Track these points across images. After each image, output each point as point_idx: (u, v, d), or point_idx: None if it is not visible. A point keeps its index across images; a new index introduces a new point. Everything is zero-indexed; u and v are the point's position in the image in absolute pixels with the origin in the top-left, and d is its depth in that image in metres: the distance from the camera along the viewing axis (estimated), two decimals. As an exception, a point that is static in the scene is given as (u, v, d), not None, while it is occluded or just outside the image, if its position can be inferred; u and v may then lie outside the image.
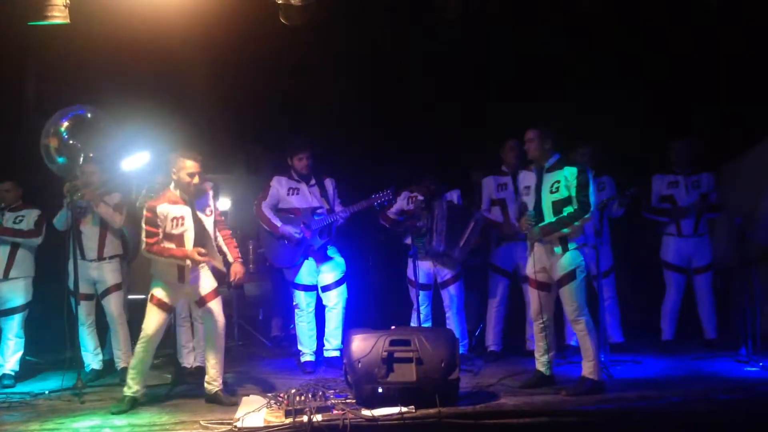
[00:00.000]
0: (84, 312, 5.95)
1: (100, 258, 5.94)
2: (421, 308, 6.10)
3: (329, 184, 6.16)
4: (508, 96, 7.16)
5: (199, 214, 5.18)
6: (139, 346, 5.12)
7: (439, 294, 6.24)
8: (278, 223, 5.99)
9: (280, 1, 5.77)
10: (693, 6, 6.25)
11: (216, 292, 5.24)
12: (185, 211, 5.13)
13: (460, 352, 5.32)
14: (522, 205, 5.33)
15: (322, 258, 6.05)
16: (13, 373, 5.93)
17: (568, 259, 5.08)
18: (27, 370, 6.14)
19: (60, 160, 5.58)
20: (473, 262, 6.40)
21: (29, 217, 6.04)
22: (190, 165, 5.09)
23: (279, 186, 6.07)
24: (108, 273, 5.97)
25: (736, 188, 6.31)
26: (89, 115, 5.57)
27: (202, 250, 5.07)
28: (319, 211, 6.03)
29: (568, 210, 5.06)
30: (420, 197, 6.10)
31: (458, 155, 7.36)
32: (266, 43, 6.70)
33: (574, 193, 5.05)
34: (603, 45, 6.92)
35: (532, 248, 5.22)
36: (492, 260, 6.35)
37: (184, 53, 6.70)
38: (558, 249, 5.09)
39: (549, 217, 5.11)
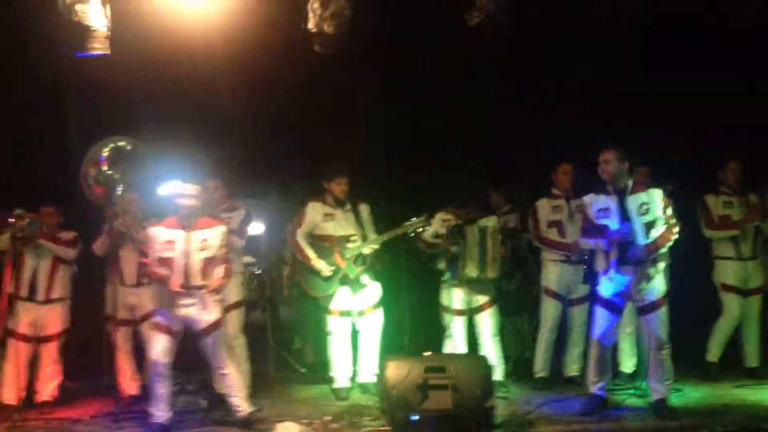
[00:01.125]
0: (122, 338, 6.01)
1: (139, 284, 6.01)
2: (456, 334, 6.06)
3: (364, 209, 6.15)
4: (545, 120, 7.15)
5: (192, 243, 5.18)
6: (149, 372, 5.18)
7: (473, 320, 6.19)
8: (312, 255, 5.98)
9: (313, 30, 5.85)
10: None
11: (217, 323, 5.23)
12: (177, 235, 5.18)
13: (497, 378, 5.26)
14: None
15: (357, 285, 6.04)
16: (51, 399, 5.99)
17: (662, 282, 5.12)
18: (65, 396, 6.18)
19: (100, 190, 5.68)
20: (509, 286, 6.37)
21: (66, 236, 6.13)
22: (186, 188, 5.19)
23: (314, 212, 6.07)
24: (147, 299, 6.03)
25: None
26: (129, 146, 5.66)
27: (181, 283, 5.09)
28: (353, 238, 6.02)
29: (654, 231, 5.09)
30: (456, 222, 6.09)
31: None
32: (299, 70, 6.79)
33: (661, 214, 5.09)
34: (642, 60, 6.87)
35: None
36: (545, 283, 6.28)
37: (219, 81, 6.84)
38: (653, 271, 5.09)
39: (643, 240, 5.08)
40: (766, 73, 6.58)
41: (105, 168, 5.57)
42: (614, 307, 5.19)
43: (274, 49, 6.46)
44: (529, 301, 6.57)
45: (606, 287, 5.20)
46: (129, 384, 6.09)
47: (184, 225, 5.21)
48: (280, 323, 7.54)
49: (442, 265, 6.15)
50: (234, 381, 5.22)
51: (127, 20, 5.72)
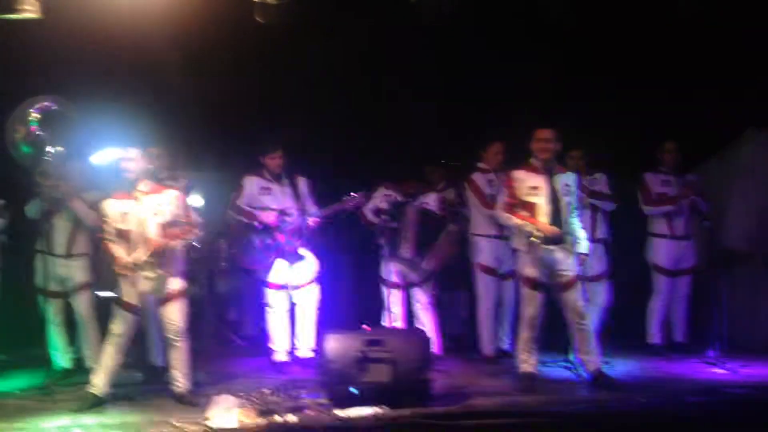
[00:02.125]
0: (53, 310, 5.86)
1: (68, 255, 5.86)
2: (393, 308, 6.12)
3: (303, 184, 6.12)
4: (487, 95, 7.21)
5: (144, 211, 5.09)
6: (107, 344, 5.08)
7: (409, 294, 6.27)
8: (256, 211, 5.94)
9: (255, 0, 5.75)
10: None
11: (176, 293, 5.16)
12: (130, 206, 5.09)
13: (434, 351, 5.35)
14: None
15: (294, 258, 6.03)
16: (-21, 372, 5.85)
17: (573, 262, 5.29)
18: (-6, 369, 6.04)
19: (25, 149, 5.48)
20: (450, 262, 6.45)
21: None
22: (123, 153, 5.10)
23: (251, 186, 6.04)
24: (77, 271, 5.89)
25: (705, 191, 6.40)
26: (59, 108, 5.46)
27: (130, 263, 4.99)
28: (290, 211, 5.99)
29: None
30: (398, 198, 6.12)
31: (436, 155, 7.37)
32: (240, 40, 6.66)
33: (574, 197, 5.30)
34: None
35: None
36: (478, 260, 6.34)
37: (157, 49, 6.63)
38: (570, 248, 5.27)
39: (566, 219, 5.24)
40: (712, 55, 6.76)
41: (34, 128, 5.37)
42: (540, 285, 5.31)
43: (214, 15, 6.30)
44: (468, 277, 6.66)
45: (530, 265, 5.31)
46: (61, 357, 5.96)
47: (132, 193, 5.09)
48: (218, 296, 7.48)
49: (381, 240, 6.18)
50: (182, 355, 5.16)
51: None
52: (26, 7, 5.19)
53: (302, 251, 6.06)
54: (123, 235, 5.06)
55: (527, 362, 5.31)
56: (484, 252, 6.28)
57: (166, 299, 5.12)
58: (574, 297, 5.30)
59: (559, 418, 4.63)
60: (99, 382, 5.04)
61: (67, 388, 5.48)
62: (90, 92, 6.41)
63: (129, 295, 5.09)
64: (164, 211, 5.11)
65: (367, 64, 7.22)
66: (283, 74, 7.26)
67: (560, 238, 5.24)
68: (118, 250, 5.04)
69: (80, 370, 5.93)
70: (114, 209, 5.09)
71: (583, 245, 5.37)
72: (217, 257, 7.15)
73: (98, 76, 6.85)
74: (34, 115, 5.39)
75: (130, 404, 5.09)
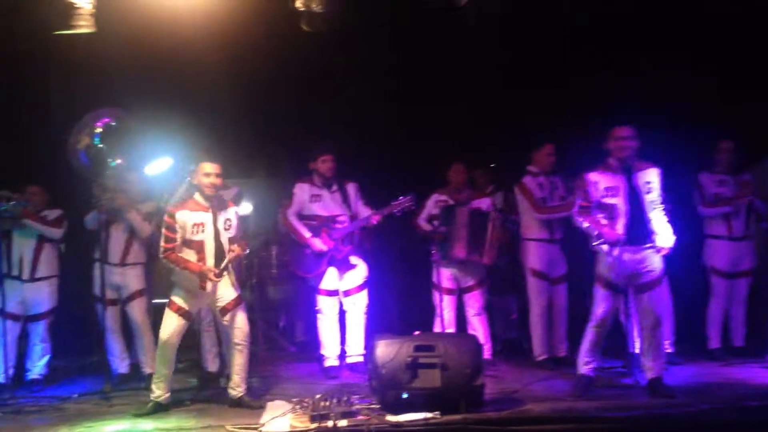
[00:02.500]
0: (109, 317, 6.00)
1: (123, 263, 6.00)
2: (445, 313, 6.10)
3: (352, 188, 6.13)
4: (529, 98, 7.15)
5: (219, 225, 5.20)
6: (158, 352, 5.19)
7: (461, 299, 6.23)
8: (307, 234, 5.98)
9: (301, 8, 5.80)
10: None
11: (239, 300, 5.26)
12: (206, 218, 5.17)
13: (485, 356, 5.31)
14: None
15: (345, 265, 6.05)
16: (41, 377, 6.00)
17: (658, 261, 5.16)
18: (55, 374, 6.19)
19: (86, 162, 5.63)
20: (502, 261, 6.40)
21: (51, 215, 6.08)
22: (207, 167, 5.16)
23: (302, 193, 6.08)
24: (131, 279, 6.03)
25: (761, 191, 6.22)
26: (119, 122, 5.60)
27: (216, 270, 5.10)
28: (340, 218, 6.03)
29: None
30: (449, 201, 6.11)
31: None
32: (287, 48, 6.74)
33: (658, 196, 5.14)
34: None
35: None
36: (530, 264, 6.25)
37: (205, 59, 6.75)
38: (651, 251, 5.14)
39: (647, 218, 5.10)
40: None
41: (96, 140, 5.51)
42: (615, 286, 5.18)
43: (261, 27, 6.39)
44: (517, 282, 6.60)
45: (606, 267, 5.18)
46: (118, 363, 6.10)
47: (209, 206, 5.19)
48: (269, 302, 7.56)
49: (432, 245, 6.17)
50: (244, 360, 5.23)
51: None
52: (81, 23, 5.33)
53: (352, 257, 6.08)
54: (193, 246, 5.14)
55: (588, 365, 5.21)
56: (536, 256, 6.21)
57: (229, 307, 5.20)
58: (651, 300, 5.16)
59: (614, 424, 4.55)
60: (156, 387, 5.14)
61: (125, 393, 5.61)
62: (140, 105, 6.56)
63: (184, 302, 5.17)
64: (232, 226, 5.25)
65: (410, 69, 7.22)
66: (328, 81, 7.32)
67: (635, 239, 5.08)
68: (191, 260, 5.13)
69: (136, 376, 6.07)
70: (187, 219, 5.16)
71: (665, 239, 5.16)
72: (267, 264, 7.22)
73: (148, 88, 7.00)
74: (96, 129, 5.54)
75: (186, 409, 5.17)
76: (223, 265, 5.13)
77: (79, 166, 5.57)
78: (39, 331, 6.02)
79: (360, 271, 6.10)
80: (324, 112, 7.54)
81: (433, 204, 6.25)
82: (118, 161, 5.60)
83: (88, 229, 6.01)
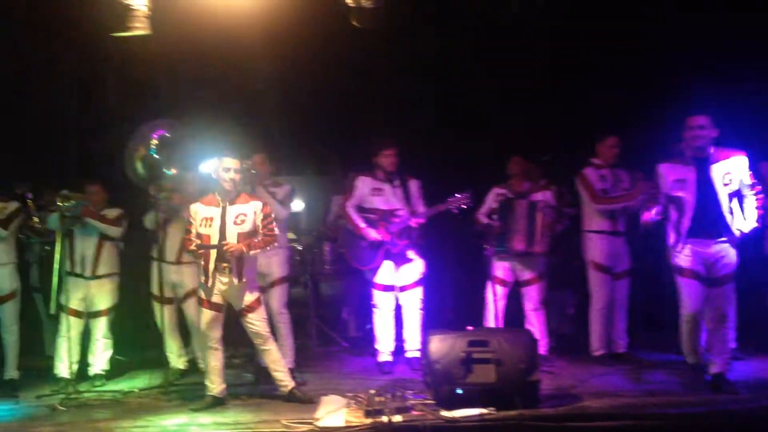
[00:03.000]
0: (167, 314, 6.12)
1: (179, 261, 6.11)
2: (495, 304, 6.05)
3: (413, 185, 6.13)
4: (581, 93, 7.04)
5: (228, 218, 5.20)
6: (202, 346, 5.29)
7: (518, 293, 6.18)
8: (361, 225, 6.02)
9: (351, 5, 5.81)
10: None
11: (258, 302, 5.28)
12: (215, 212, 5.22)
13: (541, 352, 5.25)
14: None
15: (401, 259, 6.05)
16: (103, 372, 6.16)
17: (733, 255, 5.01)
18: (116, 369, 6.35)
19: (141, 171, 5.75)
20: (557, 259, 6.31)
21: (111, 213, 6.20)
22: (227, 162, 5.20)
23: (363, 186, 6.11)
24: (187, 277, 6.13)
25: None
26: (174, 134, 5.70)
27: (219, 266, 5.12)
28: (399, 213, 6.04)
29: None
30: (508, 195, 6.07)
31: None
32: (337, 45, 6.76)
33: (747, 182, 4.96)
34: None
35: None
36: (591, 257, 6.15)
37: (255, 57, 6.83)
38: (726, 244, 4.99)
39: (726, 211, 4.94)
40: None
41: (152, 151, 5.63)
42: (700, 277, 5.03)
43: (312, 24, 6.43)
44: (572, 276, 6.50)
45: (685, 258, 5.04)
46: (176, 359, 6.22)
47: (222, 200, 5.24)
48: (322, 298, 7.62)
49: (488, 240, 6.12)
50: (275, 357, 5.29)
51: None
52: (137, 24, 5.43)
53: (409, 252, 6.07)
54: (202, 239, 5.21)
55: (714, 363, 5.01)
56: (597, 249, 6.09)
57: (246, 309, 5.24)
58: (722, 296, 5.02)
59: (675, 421, 4.46)
60: (210, 381, 5.23)
61: (182, 389, 5.72)
62: (192, 104, 6.69)
63: (210, 295, 5.22)
64: (247, 221, 5.23)
65: (463, 63, 7.17)
66: (379, 77, 7.32)
67: (704, 232, 4.94)
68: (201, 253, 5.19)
69: (194, 371, 6.18)
70: (199, 213, 5.26)
71: (744, 223, 4.98)
72: (319, 260, 7.27)
73: (200, 88, 7.12)
74: (152, 140, 5.65)
75: (243, 404, 5.24)
76: (222, 262, 5.12)
77: (134, 176, 5.70)
78: (101, 327, 6.17)
79: (416, 266, 6.10)
80: (375, 108, 7.55)
81: (493, 198, 6.21)
82: (173, 171, 5.71)
83: (146, 228, 6.14)
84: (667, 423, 4.45)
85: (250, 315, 5.23)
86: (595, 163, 6.16)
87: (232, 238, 5.16)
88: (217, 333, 5.25)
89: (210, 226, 5.19)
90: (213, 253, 5.15)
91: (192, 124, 5.95)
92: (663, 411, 4.58)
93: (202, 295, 5.24)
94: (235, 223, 5.19)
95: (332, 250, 7.18)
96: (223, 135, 6.34)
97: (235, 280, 5.15)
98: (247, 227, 5.22)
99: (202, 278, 5.21)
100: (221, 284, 5.17)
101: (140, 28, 5.52)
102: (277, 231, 5.35)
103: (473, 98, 7.30)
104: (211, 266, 5.14)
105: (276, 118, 7.48)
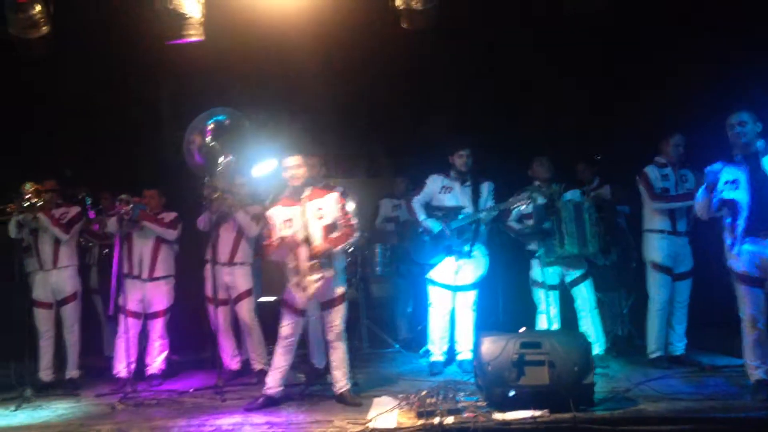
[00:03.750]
0: (221, 315, 6.21)
1: (231, 263, 6.20)
2: (550, 309, 5.99)
3: (485, 187, 6.14)
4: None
5: (308, 215, 5.23)
6: (277, 348, 5.30)
7: (568, 295, 6.10)
8: (420, 217, 6.08)
9: (401, 6, 5.82)
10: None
11: (341, 298, 5.31)
12: (294, 212, 5.24)
13: (595, 353, 5.17)
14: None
15: (463, 256, 6.04)
16: (160, 372, 6.29)
17: None
18: (172, 369, 6.47)
19: (200, 159, 5.84)
20: (606, 261, 6.21)
21: (167, 217, 6.35)
22: (290, 161, 5.24)
23: (433, 184, 6.16)
24: (239, 278, 6.22)
25: None
26: (230, 120, 5.76)
27: (307, 265, 5.12)
28: (465, 211, 6.04)
29: None
30: (540, 200, 6.01)
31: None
32: (386, 47, 6.78)
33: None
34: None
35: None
36: (651, 257, 6.01)
37: (307, 61, 6.91)
38: None
39: None
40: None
41: (208, 138, 5.70)
42: (755, 280, 4.84)
43: (362, 27, 6.46)
44: (627, 277, 6.39)
45: (741, 262, 4.85)
46: (230, 360, 6.31)
47: (297, 199, 5.27)
48: (372, 300, 7.64)
49: (533, 245, 6.06)
50: (342, 356, 5.30)
51: (219, 5, 5.82)
52: (191, 32, 5.53)
53: (472, 251, 6.06)
54: (287, 242, 5.23)
55: (758, 369, 4.84)
56: (657, 249, 5.96)
57: (329, 303, 5.28)
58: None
59: (735, 426, 4.34)
60: (270, 382, 5.28)
61: (236, 389, 5.78)
62: (247, 107, 6.75)
63: (296, 299, 5.28)
64: (326, 214, 5.26)
65: (513, 63, 7.12)
66: (429, 80, 7.32)
67: (760, 230, 4.73)
68: (286, 255, 5.23)
69: (247, 372, 6.27)
70: (278, 216, 5.28)
71: None
72: (370, 262, 7.30)
73: (252, 92, 7.22)
74: (208, 127, 5.73)
75: (295, 404, 5.28)
76: (311, 260, 5.13)
77: (193, 164, 5.77)
78: (157, 327, 6.32)
79: (478, 266, 6.09)
80: (425, 111, 7.55)
81: (523, 203, 6.13)
82: (230, 158, 5.76)
83: (199, 231, 6.25)
84: (728, 428, 4.34)
85: (331, 309, 5.26)
86: (659, 162, 6.04)
87: (317, 232, 5.19)
88: (293, 335, 5.29)
89: (291, 226, 5.21)
90: (303, 251, 5.17)
91: (245, 118, 6.01)
92: (724, 416, 4.46)
93: (290, 299, 5.27)
94: (318, 218, 5.22)
95: (382, 251, 7.20)
96: (276, 137, 6.43)
97: (326, 274, 5.18)
98: (328, 219, 5.24)
99: (294, 279, 5.22)
100: (313, 281, 5.17)
101: (195, 35, 5.62)
102: (355, 223, 5.37)
103: (524, 97, 7.24)
104: (303, 265, 5.15)
105: (327, 121, 7.54)
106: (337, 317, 5.27)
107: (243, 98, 6.96)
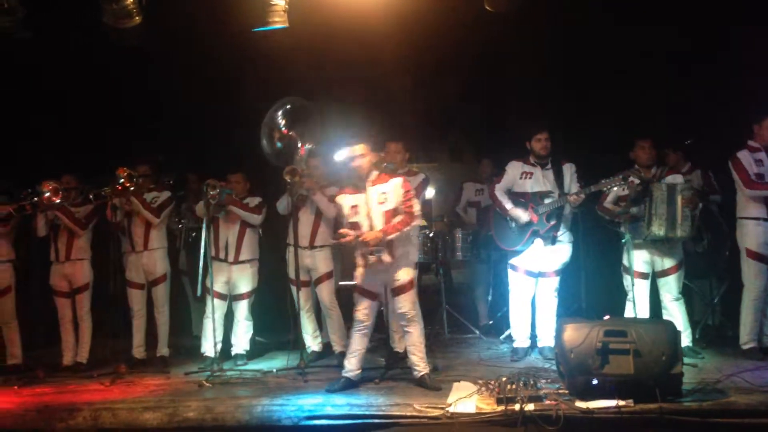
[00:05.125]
0: (302, 298, 6.32)
1: (312, 246, 6.30)
2: (638, 298, 5.82)
3: (567, 169, 6.03)
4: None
5: (370, 200, 5.28)
6: (354, 332, 5.38)
7: (656, 283, 5.92)
8: (508, 206, 6.00)
9: (484, -11, 5.75)
10: None
11: (410, 284, 5.32)
12: (359, 199, 5.31)
13: (684, 344, 5.00)
14: None
15: (548, 241, 5.96)
16: (244, 352, 6.46)
17: None
18: (257, 350, 6.64)
19: (279, 146, 5.95)
20: (697, 248, 6.00)
21: (252, 202, 6.51)
22: (355, 149, 5.29)
23: (513, 170, 6.09)
24: (320, 261, 6.32)
25: None
26: (306, 110, 5.86)
27: (350, 233, 5.20)
28: (550, 195, 5.95)
29: None
30: (636, 180, 5.82)
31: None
32: (469, 31, 6.70)
33: None
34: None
35: None
36: (746, 245, 5.79)
37: (389, 46, 6.88)
38: None
39: None
40: None
41: (283, 125, 5.81)
42: None
43: (443, 12, 6.41)
44: (718, 265, 6.14)
45: None
46: (312, 341, 6.43)
47: (362, 185, 5.34)
48: (453, 285, 7.62)
49: (622, 227, 5.89)
50: (416, 340, 5.33)
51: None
52: (276, 19, 5.61)
53: (557, 236, 5.97)
54: (354, 228, 5.31)
55: None
56: (752, 236, 5.71)
57: (397, 289, 5.31)
58: None
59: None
60: (349, 365, 5.36)
61: (318, 370, 5.90)
62: (327, 94, 6.84)
63: (368, 283, 5.33)
64: (389, 199, 5.28)
65: (597, 45, 6.91)
66: (511, 64, 7.20)
67: None
68: (354, 240, 5.29)
69: (328, 353, 6.37)
70: (345, 203, 5.38)
71: None
72: (451, 247, 7.27)
73: (334, 78, 7.28)
74: (286, 116, 5.84)
75: (374, 387, 5.33)
76: (374, 244, 5.17)
77: (272, 152, 5.89)
78: (242, 309, 6.49)
79: (562, 253, 6.01)
80: (507, 95, 7.43)
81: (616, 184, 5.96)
82: (308, 146, 5.87)
83: (280, 215, 6.37)
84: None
85: (400, 295, 5.30)
86: (751, 146, 5.77)
87: (377, 218, 5.26)
88: (368, 319, 5.37)
89: (358, 213, 5.31)
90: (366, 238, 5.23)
91: (323, 106, 6.09)
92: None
93: (358, 282, 5.37)
94: (379, 202, 5.28)
95: (463, 236, 7.16)
96: (356, 122, 6.47)
97: (386, 260, 5.24)
98: (390, 205, 5.29)
99: (360, 265, 5.32)
100: (376, 267, 5.26)
101: (279, 22, 5.69)
102: (416, 209, 5.37)
103: (609, 79, 7.03)
104: (363, 251, 5.24)
105: (410, 105, 7.52)
106: (405, 302, 5.29)
107: (324, 84, 7.02)
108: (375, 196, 5.30)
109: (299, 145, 5.82)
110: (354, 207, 5.33)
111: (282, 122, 5.85)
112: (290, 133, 5.82)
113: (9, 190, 6.51)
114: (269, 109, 5.94)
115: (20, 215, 6.36)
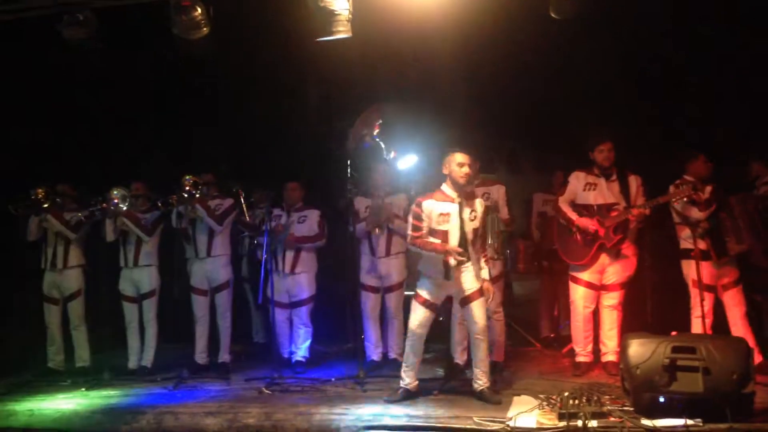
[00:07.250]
0: (370, 305, 6.33)
1: (387, 255, 6.34)
2: (705, 313, 5.62)
3: (634, 180, 5.88)
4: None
5: (464, 216, 5.24)
6: (407, 342, 5.36)
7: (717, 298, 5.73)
8: (573, 216, 5.89)
9: (551, -6, 5.66)
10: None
11: (480, 293, 5.26)
12: (452, 208, 5.24)
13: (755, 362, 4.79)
14: None
15: (614, 255, 5.83)
16: (304, 360, 6.50)
17: None
18: (315, 358, 6.67)
19: (365, 151, 6.02)
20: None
21: (311, 219, 6.56)
22: (459, 157, 5.23)
23: (576, 181, 5.98)
24: (394, 269, 6.37)
25: None
26: (393, 118, 5.92)
27: (460, 249, 5.13)
28: (616, 207, 5.82)
29: None
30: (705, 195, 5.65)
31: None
32: (532, 39, 6.61)
33: None
34: None
35: None
36: None
37: (451, 54, 6.83)
38: None
39: None
40: None
41: (375, 135, 5.89)
42: None
43: (509, 18, 6.33)
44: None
45: None
46: (372, 350, 6.43)
47: (458, 196, 5.30)
48: (514, 297, 7.52)
49: (689, 241, 5.71)
50: (484, 354, 5.27)
51: (365, 2, 5.90)
52: (340, 28, 5.65)
53: (624, 249, 5.84)
54: (437, 235, 5.25)
55: None
56: None
57: (469, 298, 5.26)
58: None
59: None
60: (405, 375, 5.34)
61: (376, 380, 5.85)
62: (391, 101, 6.82)
63: (429, 294, 5.30)
64: (477, 217, 5.28)
65: (662, 54, 6.74)
66: (573, 72, 7.07)
67: None
68: (437, 242, 5.24)
69: (387, 363, 6.35)
70: (433, 209, 5.29)
71: None
72: (512, 259, 7.18)
73: (394, 88, 7.27)
74: (376, 123, 5.89)
75: (433, 399, 5.29)
76: (461, 256, 5.14)
77: (357, 158, 5.94)
78: (301, 315, 6.53)
79: (626, 266, 5.86)
80: (567, 104, 7.31)
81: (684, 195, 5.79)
82: (393, 154, 5.91)
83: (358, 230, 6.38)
84: None
85: (474, 302, 5.25)
86: None
87: (470, 235, 5.24)
88: (425, 331, 5.34)
89: (448, 222, 5.25)
90: (450, 246, 5.19)
91: (397, 115, 6.11)
92: None
93: (424, 293, 5.32)
94: (470, 220, 5.26)
95: (525, 248, 7.06)
96: (419, 132, 6.46)
97: (474, 268, 5.24)
98: (477, 224, 5.29)
99: (439, 275, 5.25)
100: (459, 275, 5.22)
101: (343, 32, 5.72)
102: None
103: (673, 92, 6.83)
104: (453, 261, 5.15)
105: (470, 116, 7.47)
106: (479, 312, 5.24)
107: (383, 95, 7.02)
108: (468, 213, 5.26)
109: (384, 152, 5.86)
110: (444, 215, 5.25)
111: (374, 129, 5.90)
112: (378, 141, 5.88)
113: (79, 199, 6.72)
114: (361, 113, 6.02)
115: (90, 221, 6.56)
